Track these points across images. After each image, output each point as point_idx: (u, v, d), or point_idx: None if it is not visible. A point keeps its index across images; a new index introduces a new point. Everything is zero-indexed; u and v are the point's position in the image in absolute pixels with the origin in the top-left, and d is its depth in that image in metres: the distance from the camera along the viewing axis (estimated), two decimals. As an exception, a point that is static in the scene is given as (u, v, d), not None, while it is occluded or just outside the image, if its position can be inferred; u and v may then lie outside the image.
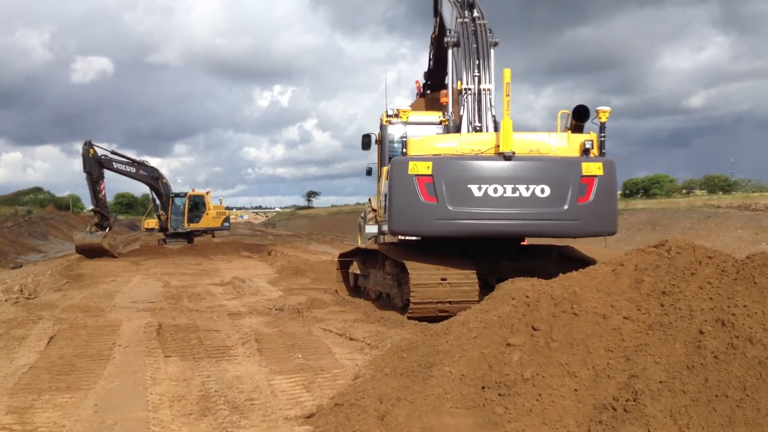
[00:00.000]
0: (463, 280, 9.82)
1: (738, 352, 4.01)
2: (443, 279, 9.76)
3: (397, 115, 11.76)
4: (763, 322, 4.17)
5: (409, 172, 9.75)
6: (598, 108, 10.12)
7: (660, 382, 4.01)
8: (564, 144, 10.09)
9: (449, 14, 12.60)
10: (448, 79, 12.24)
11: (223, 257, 27.41)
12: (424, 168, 9.72)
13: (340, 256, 14.21)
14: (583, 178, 9.65)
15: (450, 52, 11.88)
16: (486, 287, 9.83)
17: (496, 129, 11.45)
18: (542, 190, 9.64)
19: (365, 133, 13.59)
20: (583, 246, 12.03)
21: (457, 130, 11.27)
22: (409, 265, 9.96)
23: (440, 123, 12.38)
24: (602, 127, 10.08)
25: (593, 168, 9.67)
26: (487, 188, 9.65)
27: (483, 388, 4.66)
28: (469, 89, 11.14)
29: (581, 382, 4.35)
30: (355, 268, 13.11)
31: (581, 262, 10.16)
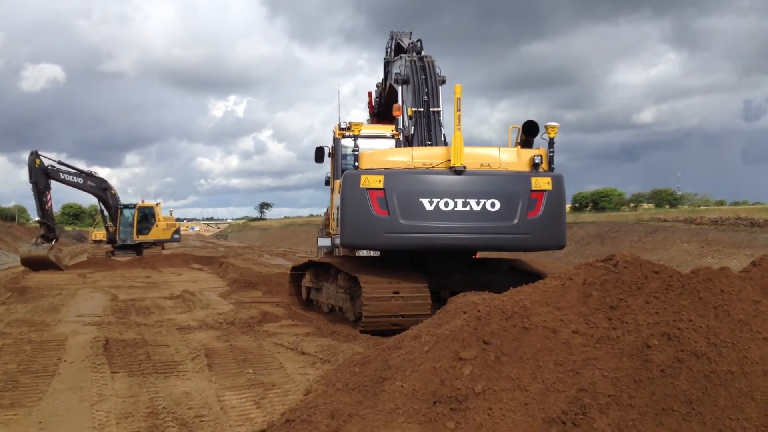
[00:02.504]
0: (415, 293, 9.86)
1: (684, 366, 4.08)
2: (396, 293, 9.79)
3: (349, 128, 11.85)
4: (707, 336, 4.27)
5: (361, 186, 9.80)
6: (547, 123, 10.32)
7: (608, 395, 4.07)
8: (514, 159, 10.25)
9: (398, 66, 13.24)
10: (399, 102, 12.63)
11: (173, 270, 27.01)
12: (376, 181, 9.78)
13: (293, 269, 14.12)
14: (533, 193, 9.82)
15: (400, 89, 12.34)
16: (439, 301, 9.88)
17: (447, 145, 11.64)
18: (492, 204, 9.76)
19: (319, 145, 13.61)
20: (534, 259, 12.19)
21: (409, 145, 11.40)
22: (362, 278, 9.95)
23: (392, 137, 12.51)
24: (551, 142, 10.27)
25: (542, 183, 9.83)
26: (438, 202, 9.74)
27: (435, 402, 4.65)
28: (420, 111, 11.43)
29: (531, 395, 4.38)
30: (307, 282, 13.04)
31: (532, 275, 10.28)
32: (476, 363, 4.81)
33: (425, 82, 11.89)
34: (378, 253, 12.01)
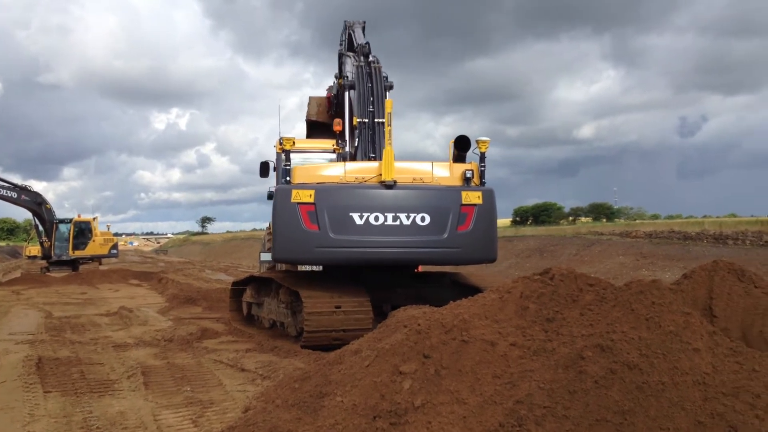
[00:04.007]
0: (357, 308, 9.86)
1: (617, 377, 4.17)
2: (337, 307, 9.77)
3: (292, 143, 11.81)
4: (639, 347, 4.37)
5: (292, 200, 9.82)
6: (478, 138, 10.46)
7: (544, 407, 4.13)
8: (446, 173, 10.35)
9: (349, 64, 13.07)
10: (346, 116, 12.53)
11: (111, 286, 26.40)
12: (307, 196, 9.81)
13: (234, 284, 13.96)
14: (463, 207, 9.92)
15: (347, 93, 12.23)
16: (381, 315, 9.91)
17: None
18: (423, 219, 9.85)
19: (264, 160, 13.54)
20: (474, 273, 12.31)
21: (354, 158, 11.43)
22: (304, 293, 9.91)
23: (334, 151, 12.50)
24: (482, 157, 10.40)
25: (473, 197, 9.95)
26: (368, 216, 9.81)
27: (374, 417, 4.65)
28: (365, 122, 11.42)
29: (469, 409, 4.41)
30: (248, 297, 12.91)
31: (472, 289, 10.40)
32: (416, 377, 4.82)
33: (371, 91, 11.87)
34: (320, 268, 11.96)
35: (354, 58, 12.80)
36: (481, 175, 10.38)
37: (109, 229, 38.56)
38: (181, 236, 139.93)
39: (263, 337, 11.30)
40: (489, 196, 10.11)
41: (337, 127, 12.22)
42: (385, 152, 10.07)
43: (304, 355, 9.37)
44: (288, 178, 10.35)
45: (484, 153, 10.41)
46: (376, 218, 9.82)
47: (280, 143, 11.90)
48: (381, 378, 4.92)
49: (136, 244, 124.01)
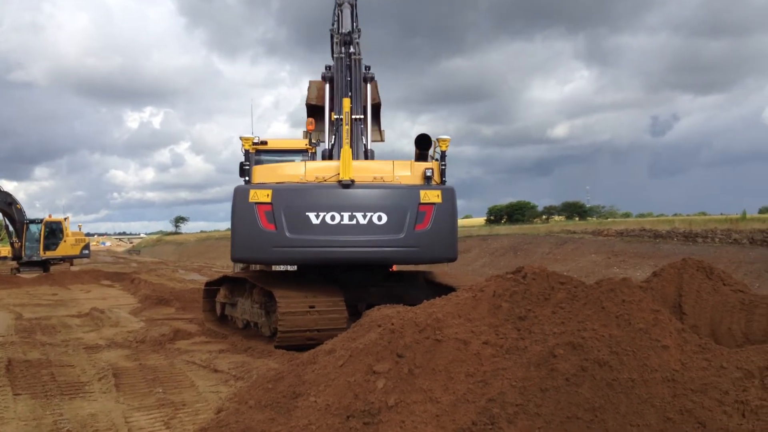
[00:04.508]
0: (331, 307, 9.85)
1: (587, 375, 4.21)
2: (311, 307, 9.74)
3: (264, 143, 11.77)
4: (610, 345, 4.42)
5: (250, 200, 9.86)
6: (439, 137, 10.46)
7: (516, 405, 4.16)
8: (407, 172, 10.31)
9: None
10: (326, 110, 12.39)
11: (82, 287, 26.08)
12: (264, 196, 9.85)
13: (207, 284, 13.86)
14: (422, 206, 9.90)
15: (327, 85, 12.09)
16: (355, 314, 9.90)
17: (366, 156, 11.64)
18: (379, 218, 9.85)
19: (243, 161, 13.46)
20: (447, 272, 12.33)
21: (331, 156, 11.38)
22: (278, 293, 9.87)
23: (306, 150, 12.40)
24: (443, 156, 10.39)
25: (431, 195, 9.93)
26: (324, 216, 9.83)
27: (348, 417, 4.65)
28: (341, 119, 11.33)
29: (443, 407, 4.43)
30: (222, 297, 12.83)
31: (446, 288, 10.42)
32: (390, 376, 4.83)
33: (349, 86, 11.74)
34: (295, 268, 11.93)
35: (336, 45, 12.54)
36: (442, 173, 10.36)
37: (80, 229, 38.18)
38: (155, 236, 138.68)
39: (237, 338, 11.24)
40: (449, 195, 10.06)
41: (309, 127, 12.14)
42: (342, 152, 10.06)
43: (278, 355, 9.34)
44: (247, 178, 10.37)
45: (444, 152, 10.40)
46: (333, 218, 9.82)
47: (253, 143, 11.83)
48: (355, 378, 4.93)
49: (108, 244, 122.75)
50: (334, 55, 12.25)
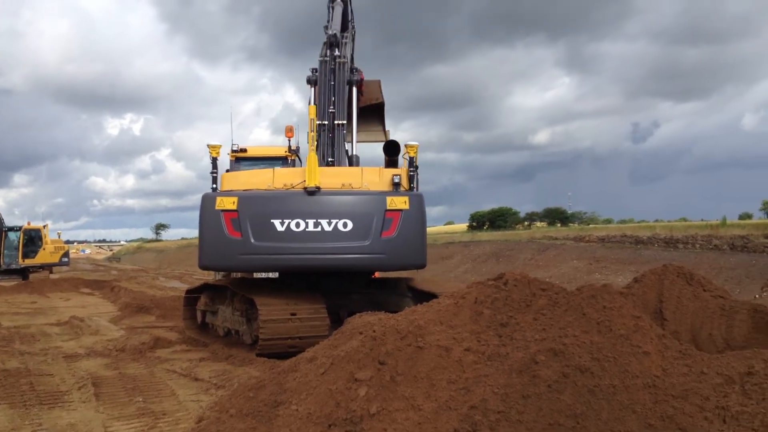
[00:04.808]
0: (313, 314, 9.81)
1: (569, 381, 4.21)
2: (293, 314, 9.70)
3: (243, 150, 11.73)
4: (591, 351, 4.43)
5: (216, 208, 9.88)
6: (407, 143, 10.40)
7: (498, 412, 4.15)
8: (376, 179, 10.28)
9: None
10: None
11: (62, 294, 25.81)
12: (230, 203, 9.86)
13: (187, 291, 13.75)
14: (388, 212, 9.82)
15: (312, 89, 12.01)
16: (337, 321, 9.84)
17: (350, 163, 11.61)
18: (345, 225, 9.81)
19: (227, 169, 13.41)
20: (430, 279, 12.32)
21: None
22: (259, 300, 9.82)
23: (286, 157, 12.30)
24: (411, 162, 10.30)
25: (398, 202, 9.86)
26: (289, 223, 9.79)
27: (330, 425, 4.62)
28: (324, 124, 11.29)
29: (425, 415, 4.41)
30: (203, 305, 12.74)
31: (428, 295, 10.39)
32: (371, 384, 4.81)
33: (333, 90, 11.66)
34: (276, 275, 11.87)
35: (323, 47, 12.38)
36: (411, 179, 10.26)
37: (60, 236, 37.90)
38: (135, 243, 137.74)
39: (218, 346, 11.15)
40: (416, 202, 9.97)
41: (288, 134, 12.06)
42: (308, 158, 10.04)
43: (259, 363, 9.27)
44: (214, 186, 10.42)
45: (413, 158, 10.31)
46: (297, 225, 9.79)
47: (233, 150, 11.76)
48: (336, 385, 4.90)
49: (88, 252, 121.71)
50: (319, 58, 12.17)
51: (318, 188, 9.90)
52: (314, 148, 10.04)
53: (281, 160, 12.55)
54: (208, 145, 10.69)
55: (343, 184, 10.16)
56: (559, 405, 4.09)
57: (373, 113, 16.24)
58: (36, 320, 16.81)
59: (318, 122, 11.32)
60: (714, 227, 28.23)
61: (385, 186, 10.20)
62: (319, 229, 9.76)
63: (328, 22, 13.92)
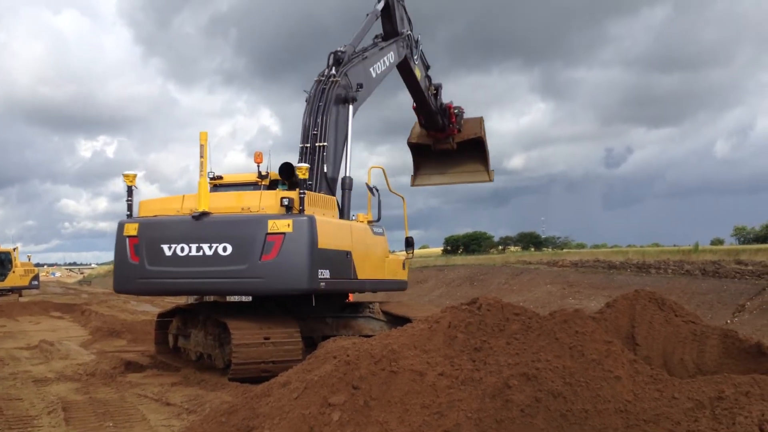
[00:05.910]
0: (286, 338, 9.75)
1: (542, 406, 4.23)
2: (266, 338, 9.63)
3: (220, 177, 11.75)
4: (563, 376, 4.45)
5: (124, 234, 10.38)
6: (296, 165, 10.28)
7: (471, 437, 4.15)
8: (273, 202, 10.17)
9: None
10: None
11: (31, 318, 25.38)
12: (132, 229, 10.34)
13: (159, 315, 13.60)
14: (270, 236, 9.71)
15: (305, 109, 12.02)
16: (311, 345, 9.80)
17: (329, 186, 11.58)
18: (225, 249, 9.87)
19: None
20: (405, 303, 12.32)
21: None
22: (231, 324, 9.74)
23: (256, 183, 12.08)
24: (302, 184, 10.07)
25: (281, 225, 9.71)
26: (175, 248, 10.04)
27: (302, 450, 4.59)
28: (306, 146, 11.32)
29: (398, 440, 4.40)
30: (175, 329, 12.59)
31: (402, 319, 10.38)
32: (345, 408, 4.79)
33: (318, 111, 11.58)
34: (250, 299, 11.78)
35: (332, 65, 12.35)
36: (301, 202, 10.03)
37: (30, 259, 37.38)
38: (106, 267, 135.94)
39: (190, 370, 11.01)
40: (301, 225, 9.75)
41: (257, 159, 11.87)
42: (198, 184, 10.17)
43: (232, 387, 9.18)
44: (129, 213, 10.81)
45: (304, 180, 10.10)
46: (182, 249, 9.99)
47: (210, 178, 11.67)
48: (310, 410, 4.87)
49: (58, 275, 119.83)
50: (315, 78, 12.15)
51: (206, 213, 9.99)
52: (203, 173, 10.18)
53: (252, 186, 12.46)
54: (123, 174, 11.06)
55: (242, 209, 10.23)
56: (532, 429, 4.10)
57: (473, 151, 16.84)
58: (5, 344, 16.50)
59: (300, 145, 11.40)
60: (686, 252, 28.55)
61: (275, 209, 10.03)
62: (200, 253, 9.92)
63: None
